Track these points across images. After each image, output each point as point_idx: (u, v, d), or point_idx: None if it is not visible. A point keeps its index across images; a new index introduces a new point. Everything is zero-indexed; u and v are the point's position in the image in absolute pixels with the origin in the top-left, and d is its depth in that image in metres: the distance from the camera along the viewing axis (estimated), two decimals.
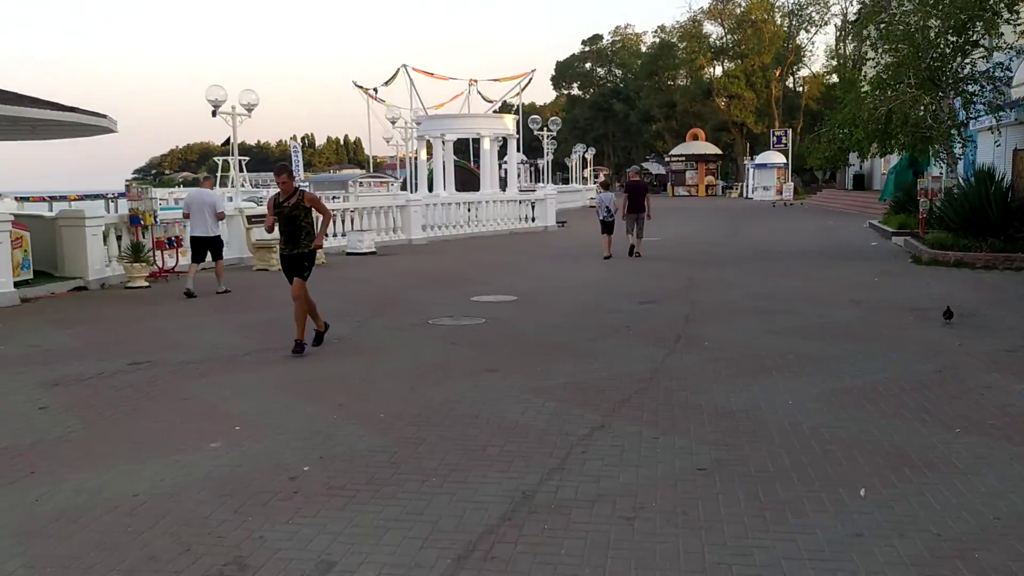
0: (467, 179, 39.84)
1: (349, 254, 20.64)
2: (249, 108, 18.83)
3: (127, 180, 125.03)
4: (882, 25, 18.69)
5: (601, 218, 19.48)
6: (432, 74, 45.16)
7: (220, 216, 14.38)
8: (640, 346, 9.22)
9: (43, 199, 33.89)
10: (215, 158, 69.48)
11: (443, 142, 32.73)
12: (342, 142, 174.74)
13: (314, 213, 9.26)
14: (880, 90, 17.84)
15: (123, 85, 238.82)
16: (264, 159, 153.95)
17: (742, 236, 25.88)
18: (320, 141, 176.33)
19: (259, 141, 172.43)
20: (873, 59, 18.81)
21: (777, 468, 5.40)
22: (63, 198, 32.84)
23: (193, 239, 14.50)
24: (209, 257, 14.34)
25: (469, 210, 27.24)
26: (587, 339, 9.66)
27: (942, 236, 16.93)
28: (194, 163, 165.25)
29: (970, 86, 17.85)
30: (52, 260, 14.97)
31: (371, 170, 66.67)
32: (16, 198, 34.61)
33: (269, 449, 5.86)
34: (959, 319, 10.36)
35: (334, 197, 31.17)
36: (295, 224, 9.01)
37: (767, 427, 6.24)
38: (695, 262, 18.06)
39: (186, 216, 14.81)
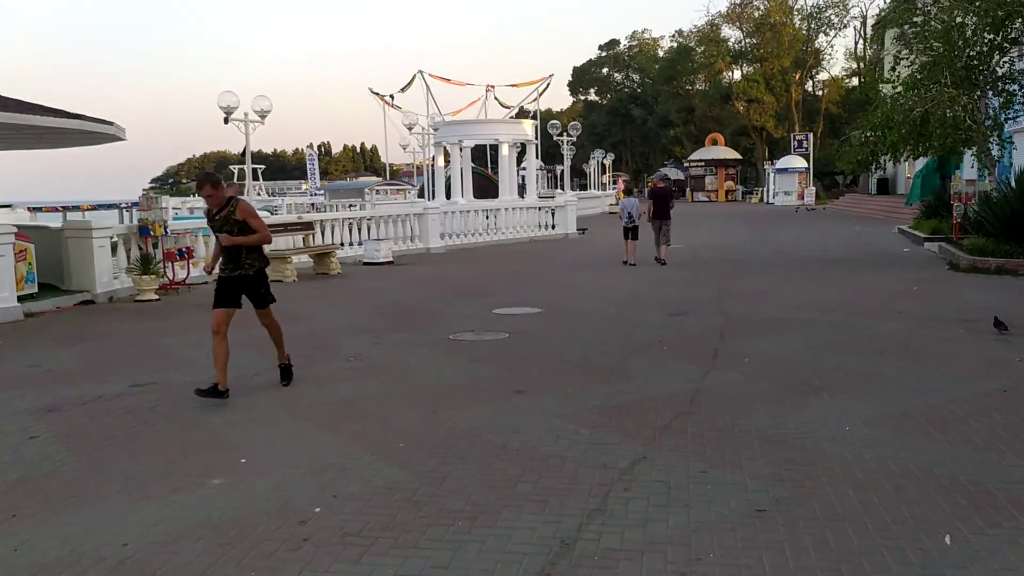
0: (485, 186, 39.36)
1: (366, 264, 20.14)
2: (262, 115, 18.40)
3: (144, 189, 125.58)
4: (916, 22, 18.02)
5: (624, 224, 19.21)
6: (449, 80, 44.80)
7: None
8: (676, 363, 8.61)
9: (56, 209, 33.57)
10: (231, 167, 69.30)
11: (461, 148, 32.27)
12: (358, 150, 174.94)
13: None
14: (914, 90, 17.15)
15: (139, 94, 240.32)
16: (281, 167, 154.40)
17: (768, 242, 25.19)
18: (337, 149, 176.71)
19: (275, 149, 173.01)
20: (906, 58, 18.15)
21: (846, 509, 4.78)
22: (76, 208, 32.48)
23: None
24: None
25: (488, 218, 26.70)
26: (618, 355, 9.07)
27: (981, 242, 16.21)
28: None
29: (1009, 85, 17.14)
30: (59, 273, 14.53)
31: (387, 177, 66.31)
32: (29, 208, 34.35)
33: (277, 485, 5.31)
34: (1013, 331, 9.70)
35: (351, 205, 30.71)
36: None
37: (826, 458, 5.62)
38: (723, 270, 17.42)
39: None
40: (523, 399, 7.30)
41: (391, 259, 20.42)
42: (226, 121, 17.60)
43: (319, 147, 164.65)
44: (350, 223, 21.59)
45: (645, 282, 15.68)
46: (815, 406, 6.90)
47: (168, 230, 15.36)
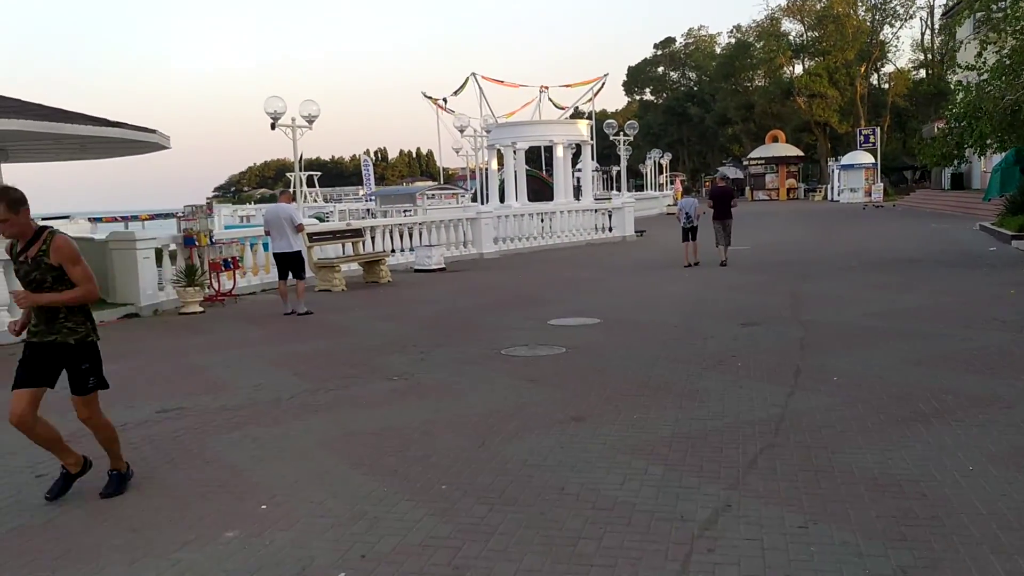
0: (540, 188, 38.53)
1: (417, 271, 19.49)
2: (310, 120, 17.87)
3: (207, 198, 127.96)
4: (1002, 6, 16.68)
5: (682, 225, 18.68)
6: (502, 82, 44.14)
7: (299, 229, 13.47)
8: (753, 383, 7.68)
9: (115, 219, 33.77)
10: (288, 174, 69.79)
11: (515, 151, 31.51)
12: (414, 155, 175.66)
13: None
14: (1004, 77, 15.81)
15: (202, 104, 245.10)
16: (339, 174, 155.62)
17: (839, 242, 23.88)
18: (393, 154, 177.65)
19: (333, 156, 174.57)
20: (994, 42, 16.80)
21: None
22: (135, 218, 32.63)
23: (276, 256, 13.61)
24: (291, 276, 13.40)
25: (543, 221, 25.88)
26: (688, 374, 8.16)
27: None
28: (271, 179, 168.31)
29: None
30: (104, 285, 14.12)
31: (442, 182, 65.95)
32: (90, 219, 34.63)
33: (298, 541, 4.56)
34: None
35: (405, 211, 30.10)
36: (40, 291, 5.14)
37: (952, 508, 4.67)
38: (794, 273, 16.32)
39: (267, 233, 13.89)
40: (583, 428, 6.46)
41: (443, 266, 19.73)
42: (272, 127, 17.11)
43: (376, 153, 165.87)
44: (401, 229, 20.97)
45: (710, 287, 14.69)
46: (925, 437, 5.92)
47: (213, 240, 14.88)
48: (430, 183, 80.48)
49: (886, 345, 9.12)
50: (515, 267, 20.27)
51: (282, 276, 13.35)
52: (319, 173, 69.64)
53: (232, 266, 14.93)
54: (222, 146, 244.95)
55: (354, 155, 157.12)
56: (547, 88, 43.95)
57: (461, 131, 37.03)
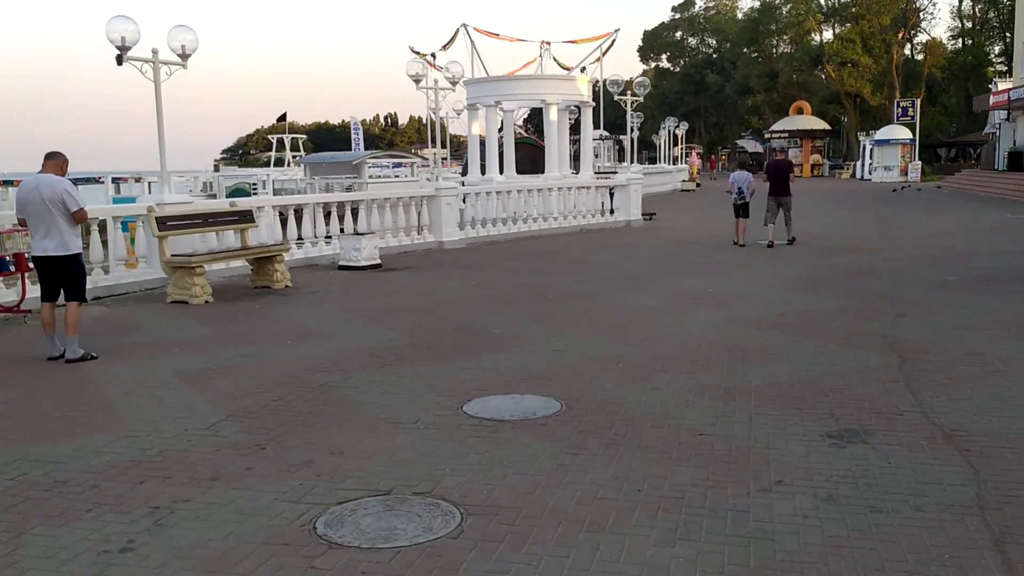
0: (536, 158, 33.21)
1: (342, 268, 14.30)
2: (184, 55, 12.52)
3: (215, 160, 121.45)
4: None
5: (733, 201, 17.24)
6: (498, 35, 38.63)
7: (77, 217, 8.07)
8: None
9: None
10: (270, 136, 64.52)
11: (501, 111, 26.11)
12: (424, 120, 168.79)
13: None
14: None
15: (212, 66, 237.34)
16: (347, 139, 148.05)
17: (903, 237, 18.55)
18: (403, 120, 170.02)
19: (343, 120, 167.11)
20: None
21: None
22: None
23: (36, 261, 8.31)
24: (62, 294, 8.15)
25: (528, 200, 20.58)
26: None
27: None
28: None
29: None
30: None
31: (450, 150, 60.07)
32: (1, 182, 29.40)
33: None
34: None
35: (349, 187, 24.65)
36: None
37: None
38: (870, 292, 11.08)
39: (21, 223, 8.57)
40: None
41: (377, 261, 14.51)
42: (119, 61, 11.78)
43: (385, 118, 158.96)
44: (328, 209, 15.73)
45: (748, 319, 9.41)
46: None
47: None
48: (439, 150, 74.51)
49: None
50: (476, 265, 15.03)
51: (47, 295, 8.12)
52: (304, 136, 64.24)
53: (18, 266, 9.74)
54: (232, 108, 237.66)
55: (366, 119, 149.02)
56: (549, 44, 38.31)
57: (453, 83, 31.48)
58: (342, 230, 15.68)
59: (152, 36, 12.44)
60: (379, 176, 24.27)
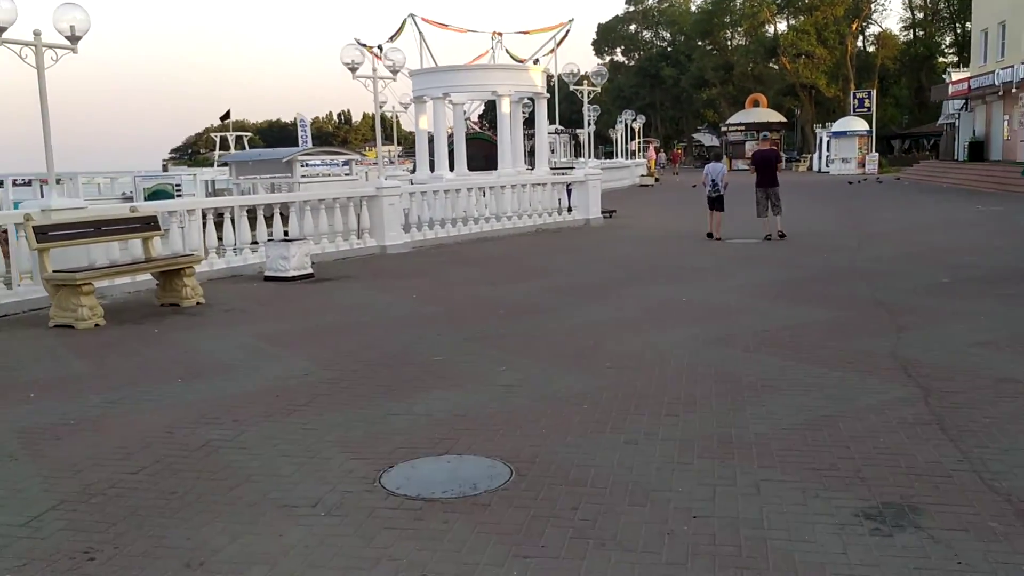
0: (491, 154, 31.70)
1: (268, 279, 12.69)
2: (73, 37, 10.77)
3: (164, 160, 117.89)
4: None
5: (708, 193, 16.82)
6: (447, 25, 37.13)
7: None
8: None
9: None
10: (214, 134, 62.14)
11: (450, 104, 24.58)
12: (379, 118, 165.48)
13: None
14: None
15: (169, 61, 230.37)
16: (289, 137, 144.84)
17: (882, 233, 17.43)
18: (356, 117, 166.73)
19: (294, 118, 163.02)
20: None
21: None
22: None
23: None
24: None
25: (482, 197, 19.09)
26: None
27: None
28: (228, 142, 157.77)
29: None
30: None
31: (403, 147, 58.20)
32: None
33: None
34: None
35: (272, 187, 22.68)
36: None
37: None
38: (865, 299, 9.80)
39: None
40: None
41: (308, 271, 12.92)
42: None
43: (339, 115, 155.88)
44: (255, 214, 14.10)
45: (748, 321, 8.03)
46: None
47: None
48: (381, 147, 72.34)
49: None
50: (421, 273, 13.51)
51: None
52: (250, 135, 61.96)
53: None
54: (185, 106, 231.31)
55: (317, 117, 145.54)
56: (501, 35, 36.85)
57: (393, 73, 29.81)
58: (271, 236, 14.07)
59: (35, 16, 10.73)
60: (315, 175, 22.45)
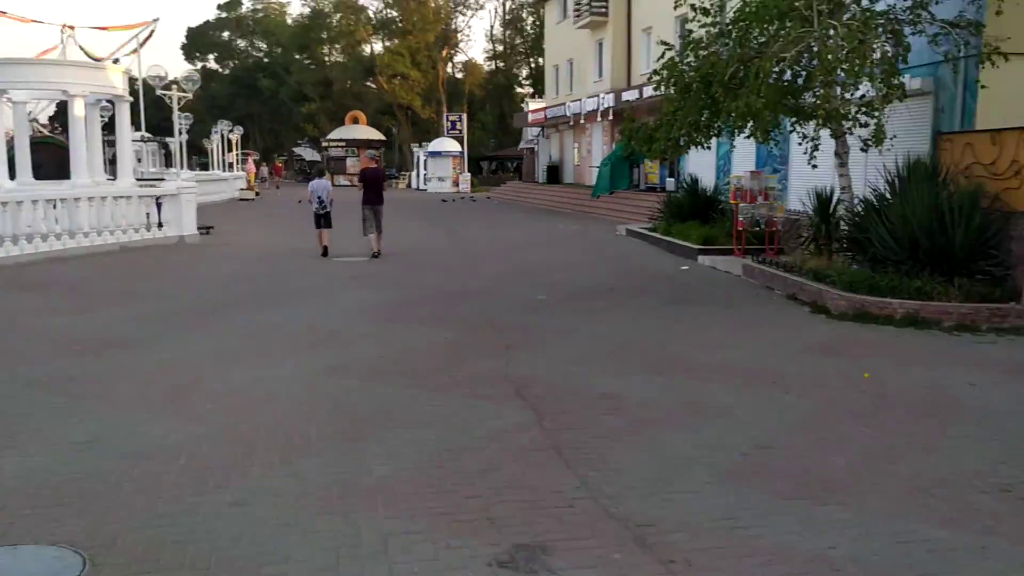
0: (65, 161, 27.87)
1: None
2: None
3: None
4: None
5: (315, 211, 16.75)
6: (5, 12, 32.10)
7: None
8: None
9: None
10: None
11: (10, 103, 21.14)
12: None
13: None
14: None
15: None
16: None
17: (480, 251, 18.27)
18: None
19: None
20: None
21: None
22: None
23: None
24: None
25: (52, 210, 16.50)
26: None
27: (862, 275, 10.45)
28: None
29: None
30: None
31: None
32: None
33: None
34: None
35: None
36: None
37: None
38: (475, 319, 9.96)
39: None
40: None
41: None
42: None
43: None
44: None
45: (364, 346, 7.58)
46: None
47: None
48: None
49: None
50: None
51: None
52: None
53: None
54: None
55: None
56: (74, 28, 32.67)
57: None
58: None
59: None
60: None
